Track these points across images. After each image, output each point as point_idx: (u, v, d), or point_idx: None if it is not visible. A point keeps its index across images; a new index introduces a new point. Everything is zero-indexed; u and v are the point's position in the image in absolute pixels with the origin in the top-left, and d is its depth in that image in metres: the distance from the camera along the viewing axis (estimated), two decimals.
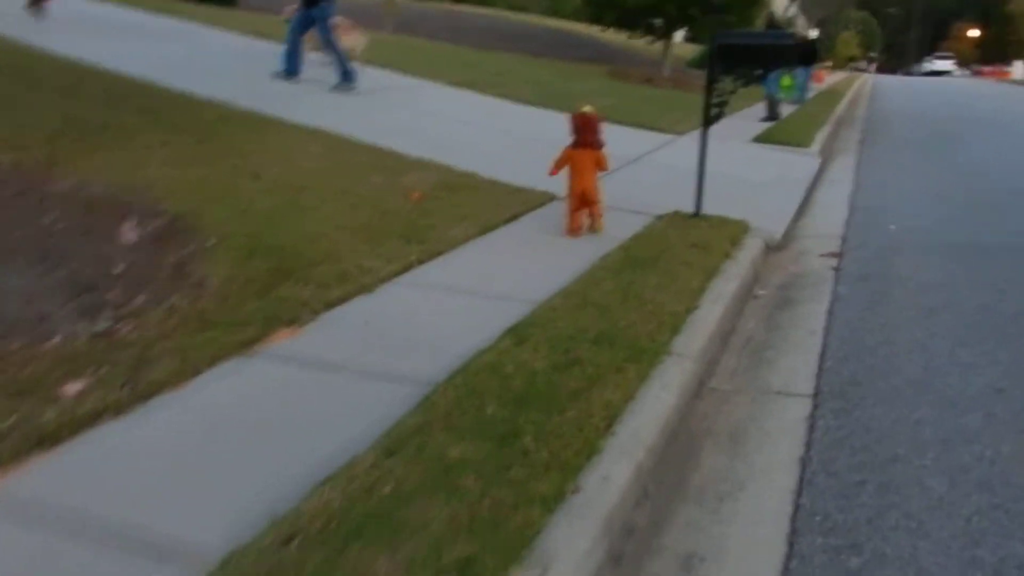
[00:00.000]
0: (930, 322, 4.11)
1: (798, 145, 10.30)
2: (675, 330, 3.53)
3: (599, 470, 2.37)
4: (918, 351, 3.69)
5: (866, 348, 3.73)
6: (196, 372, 2.93)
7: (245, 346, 3.16)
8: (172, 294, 3.44)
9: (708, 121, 5.56)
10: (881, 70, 67.22)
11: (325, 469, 2.30)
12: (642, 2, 17.63)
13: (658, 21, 18.63)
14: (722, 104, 5.56)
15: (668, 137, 9.70)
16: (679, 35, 25.61)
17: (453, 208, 5.35)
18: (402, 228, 4.76)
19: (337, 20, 9.25)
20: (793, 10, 42.24)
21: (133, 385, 2.72)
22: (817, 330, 3.97)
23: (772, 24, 14.22)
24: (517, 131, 8.55)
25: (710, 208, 5.71)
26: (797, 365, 3.55)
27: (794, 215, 6.55)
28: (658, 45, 20.86)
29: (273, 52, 11.14)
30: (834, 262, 5.23)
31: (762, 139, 10.67)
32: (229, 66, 9.68)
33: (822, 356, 3.63)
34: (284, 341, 3.26)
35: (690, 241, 4.97)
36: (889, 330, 3.99)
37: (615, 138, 9.42)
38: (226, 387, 2.85)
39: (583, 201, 5.10)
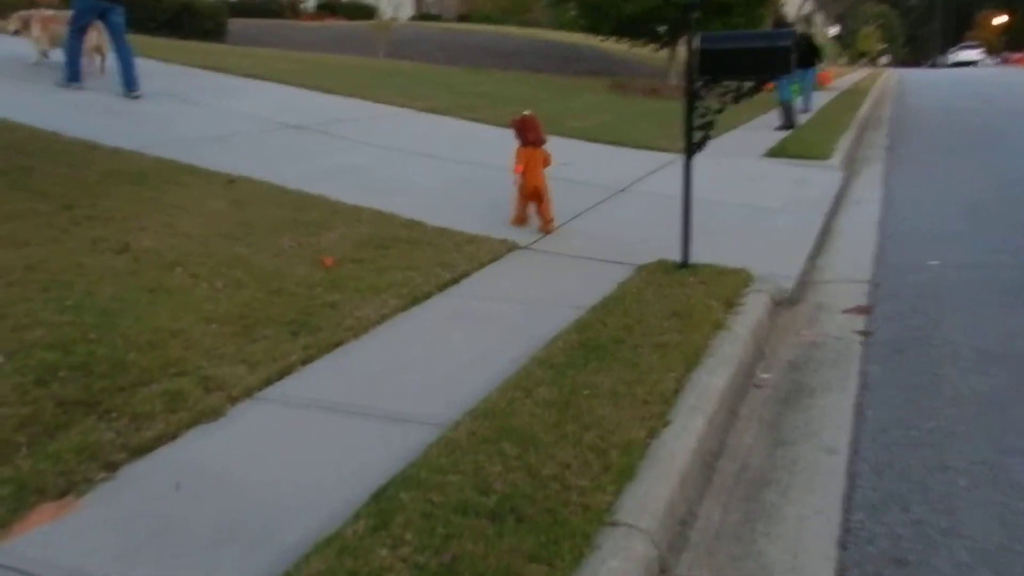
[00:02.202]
0: (997, 424, 2.93)
1: (816, 157, 9.08)
2: (627, 475, 2.40)
3: None
4: (987, 485, 2.53)
5: (911, 481, 2.57)
6: None
7: None
8: None
9: (691, 149, 4.43)
10: (905, 64, 65.39)
11: None
12: (640, 8, 16.48)
13: (661, 28, 17.44)
14: (708, 126, 4.43)
15: (667, 157, 8.53)
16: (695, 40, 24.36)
17: (376, 274, 4.27)
18: (295, 312, 3.69)
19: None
20: (809, 7, 40.91)
21: None
22: (839, 447, 2.82)
23: (780, 23, 13.01)
24: (488, 161, 7.43)
25: (707, 248, 4.61)
26: (810, 519, 2.40)
27: (811, 251, 5.38)
28: (663, 53, 19.67)
29: (214, 82, 10.12)
30: (861, 322, 4.06)
31: (775, 153, 9.45)
32: (154, 107, 8.26)
33: (847, 500, 2.48)
34: (39, 528, 2.19)
35: (671, 307, 3.84)
36: (941, 442, 2.82)
37: (602, 162, 8.36)
38: None
39: (535, 196, 5.41)
